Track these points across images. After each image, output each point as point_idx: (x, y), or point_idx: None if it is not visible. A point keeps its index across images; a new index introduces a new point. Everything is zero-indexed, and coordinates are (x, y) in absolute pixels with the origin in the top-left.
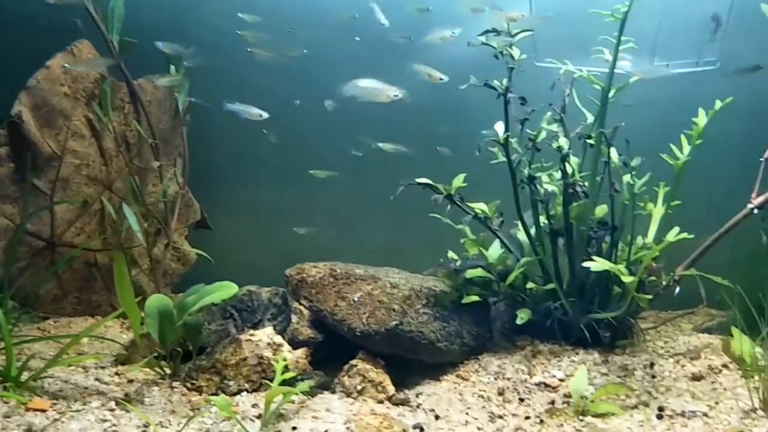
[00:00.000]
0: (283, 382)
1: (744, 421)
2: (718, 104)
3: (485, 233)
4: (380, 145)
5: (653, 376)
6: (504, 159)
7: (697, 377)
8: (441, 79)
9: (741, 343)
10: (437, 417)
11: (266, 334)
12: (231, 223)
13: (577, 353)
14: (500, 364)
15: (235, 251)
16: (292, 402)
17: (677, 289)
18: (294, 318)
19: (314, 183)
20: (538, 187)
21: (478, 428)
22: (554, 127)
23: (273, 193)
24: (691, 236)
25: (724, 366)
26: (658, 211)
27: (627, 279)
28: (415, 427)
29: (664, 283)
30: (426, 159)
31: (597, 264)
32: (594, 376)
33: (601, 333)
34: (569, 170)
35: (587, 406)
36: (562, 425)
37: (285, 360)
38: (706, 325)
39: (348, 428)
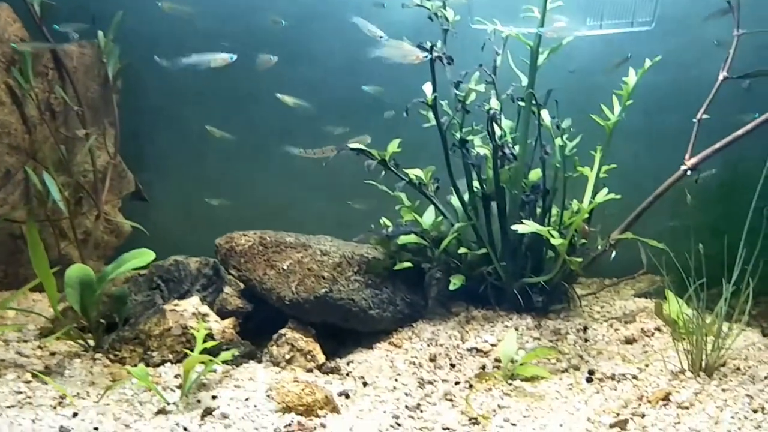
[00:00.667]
0: (207, 352)
1: (672, 382)
2: (648, 63)
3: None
4: (279, 96)
5: (586, 340)
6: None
7: (629, 340)
8: (381, 37)
9: (673, 305)
10: (365, 384)
11: (191, 304)
12: (169, 195)
13: (511, 318)
14: (434, 330)
15: (172, 223)
16: (214, 371)
17: (613, 254)
18: (226, 288)
19: (252, 153)
20: (470, 150)
21: (406, 394)
22: (485, 88)
23: (213, 165)
24: (618, 196)
25: (657, 329)
26: (593, 174)
27: (556, 241)
28: (340, 394)
29: (600, 247)
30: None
31: (525, 227)
32: (526, 341)
33: (534, 298)
34: (498, 132)
35: (516, 370)
36: (490, 389)
37: (207, 329)
38: (646, 290)
39: (268, 396)
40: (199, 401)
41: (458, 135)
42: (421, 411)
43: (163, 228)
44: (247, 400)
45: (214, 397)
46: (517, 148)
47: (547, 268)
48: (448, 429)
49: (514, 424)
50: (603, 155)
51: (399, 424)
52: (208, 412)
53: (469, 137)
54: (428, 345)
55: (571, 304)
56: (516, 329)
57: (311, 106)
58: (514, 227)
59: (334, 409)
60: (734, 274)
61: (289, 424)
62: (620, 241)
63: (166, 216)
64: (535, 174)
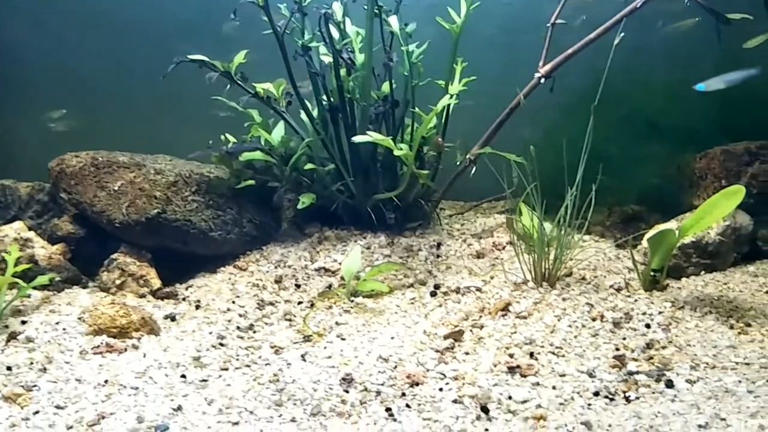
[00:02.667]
0: (27, 279)
1: (513, 293)
2: None
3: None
4: None
5: (438, 256)
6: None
7: (479, 255)
8: None
9: (527, 219)
10: (198, 307)
11: (14, 228)
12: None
13: (365, 237)
14: (284, 252)
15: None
16: (28, 297)
17: (473, 169)
18: (65, 215)
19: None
20: (313, 58)
21: (240, 315)
22: None
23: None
24: (455, 101)
25: (510, 243)
26: (454, 88)
27: (400, 152)
28: (166, 317)
29: (458, 163)
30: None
31: (364, 137)
32: (376, 258)
33: (387, 215)
34: (335, 35)
35: (358, 287)
36: (331, 307)
37: (29, 255)
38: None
39: (81, 319)
40: (6, 326)
41: (300, 42)
42: (254, 331)
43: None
44: (57, 324)
45: (23, 322)
46: (362, 56)
47: (408, 185)
48: (275, 347)
49: (344, 339)
50: (463, 68)
51: (222, 344)
52: (12, 336)
53: (313, 44)
54: (276, 267)
55: (432, 223)
56: (368, 247)
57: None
58: (354, 138)
59: (152, 331)
60: (575, 186)
61: (98, 346)
62: (480, 156)
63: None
64: (387, 87)
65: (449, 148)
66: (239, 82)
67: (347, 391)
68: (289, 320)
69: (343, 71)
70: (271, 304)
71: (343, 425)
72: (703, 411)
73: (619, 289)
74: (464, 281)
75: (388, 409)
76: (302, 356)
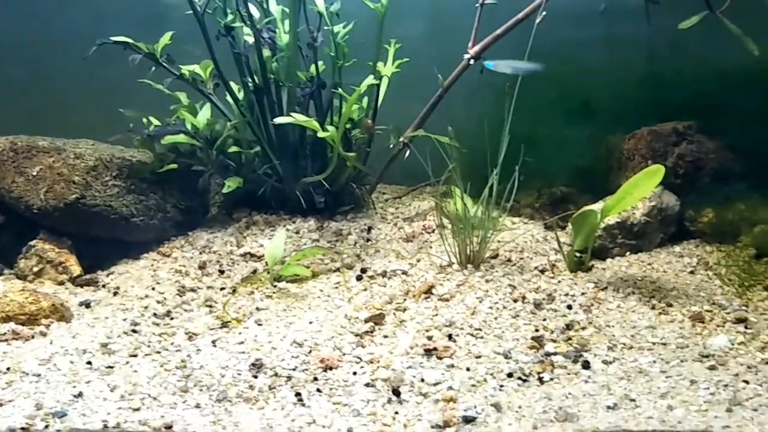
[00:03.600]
0: None
1: (438, 275)
2: None
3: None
4: None
5: (368, 240)
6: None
7: (409, 238)
8: None
9: (459, 202)
10: (116, 294)
11: None
12: None
13: (294, 221)
14: (210, 238)
15: None
16: None
17: (407, 153)
18: None
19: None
20: (237, 39)
21: (158, 302)
22: None
23: None
24: (377, 81)
25: (440, 226)
26: (388, 70)
27: (323, 134)
28: (81, 304)
29: (391, 146)
30: None
31: (286, 118)
32: (305, 243)
33: (317, 199)
34: (257, 15)
35: (280, 271)
36: (252, 292)
37: None
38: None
39: None
40: None
41: (223, 21)
42: (171, 318)
43: None
44: None
45: None
46: (287, 36)
47: (338, 168)
48: (190, 333)
49: (260, 324)
50: (396, 49)
51: (135, 331)
52: None
53: (236, 24)
54: (200, 253)
55: (366, 207)
56: (297, 232)
57: None
58: (275, 120)
59: (62, 318)
60: (497, 167)
61: (4, 334)
62: (413, 139)
63: None
64: (319, 67)
65: (381, 131)
66: (164, 64)
67: (256, 377)
68: (210, 306)
69: (268, 52)
70: (193, 290)
71: (249, 411)
72: (614, 392)
73: (543, 271)
74: (391, 265)
75: (297, 394)
76: (213, 342)
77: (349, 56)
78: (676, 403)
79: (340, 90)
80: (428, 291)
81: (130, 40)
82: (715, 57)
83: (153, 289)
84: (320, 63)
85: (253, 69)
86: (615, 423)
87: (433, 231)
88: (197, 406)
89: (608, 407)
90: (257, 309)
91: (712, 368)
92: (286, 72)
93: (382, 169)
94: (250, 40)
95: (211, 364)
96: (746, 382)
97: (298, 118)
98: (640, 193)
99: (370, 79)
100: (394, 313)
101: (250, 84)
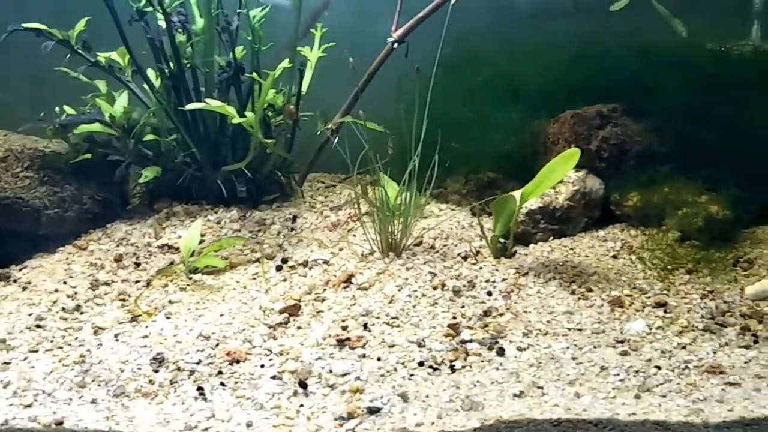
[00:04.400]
0: None
1: (359, 264)
2: None
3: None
4: None
5: (292, 229)
6: None
7: (334, 227)
8: None
9: (389, 189)
10: (25, 288)
11: None
12: None
13: (216, 212)
14: (129, 230)
15: None
16: None
17: (336, 140)
18: None
19: None
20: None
21: (69, 296)
22: None
23: None
24: (289, 65)
25: (360, 215)
26: (314, 55)
27: (238, 120)
28: None
29: (317, 133)
30: None
31: (197, 104)
32: (225, 233)
33: (238, 188)
34: None
35: (195, 263)
36: (167, 285)
37: None
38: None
39: None
40: None
41: (135, 6)
42: (81, 312)
43: None
44: None
45: None
46: (202, 20)
47: (259, 156)
48: (97, 328)
49: (168, 318)
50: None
51: (39, 326)
52: None
53: (149, 8)
54: (118, 245)
55: (294, 196)
56: (218, 222)
57: None
58: (187, 106)
59: None
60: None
61: None
62: (341, 126)
63: None
64: (238, 52)
65: (307, 117)
66: (80, 51)
67: (157, 371)
68: (123, 300)
69: (183, 37)
70: (106, 283)
71: (147, 406)
72: (522, 379)
73: (466, 257)
74: (313, 254)
75: (200, 389)
76: (116, 336)
77: (269, 40)
78: (584, 390)
79: (254, 75)
80: (348, 280)
81: (42, 27)
82: (644, 39)
83: (65, 283)
84: (241, 48)
85: (168, 55)
86: (519, 411)
87: (358, 219)
88: (93, 401)
89: (515, 395)
90: (170, 302)
91: (624, 354)
92: (202, 57)
93: (312, 157)
94: (165, 24)
95: (111, 358)
96: (658, 367)
97: (212, 104)
98: (557, 176)
99: (285, 63)
100: (313, 304)
101: (166, 70)
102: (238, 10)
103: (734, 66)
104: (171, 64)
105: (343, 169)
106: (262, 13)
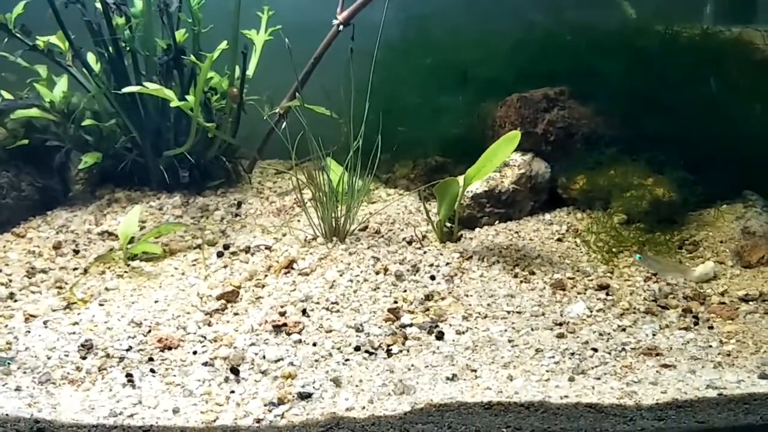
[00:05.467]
0: None
1: (301, 249)
2: None
3: None
4: None
5: (236, 215)
6: None
7: (279, 212)
8: None
9: (334, 173)
10: None
11: None
12: None
13: (158, 198)
14: (69, 217)
15: None
16: None
17: (284, 124)
18: None
19: None
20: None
21: (2, 284)
22: None
23: None
24: (226, 47)
25: (311, 199)
26: (260, 38)
27: (177, 103)
28: None
29: (264, 117)
30: None
31: (134, 87)
32: (167, 219)
33: (181, 174)
34: None
35: (132, 250)
36: (104, 272)
37: None
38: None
39: None
40: None
41: None
42: (15, 300)
43: None
44: None
45: None
46: (141, 3)
47: (203, 141)
48: (30, 315)
49: (102, 305)
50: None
51: None
52: None
53: None
54: (57, 233)
55: (242, 181)
56: (160, 208)
57: None
58: (124, 89)
59: None
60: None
61: None
62: (289, 110)
63: None
64: (179, 35)
65: (252, 101)
66: (18, 35)
67: (84, 358)
68: (60, 288)
69: (122, 19)
70: (44, 271)
71: (73, 393)
72: (457, 362)
73: (411, 242)
74: (256, 240)
75: (128, 375)
76: (45, 323)
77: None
78: (517, 373)
79: (192, 57)
80: (289, 266)
81: None
82: (593, 22)
83: (0, 271)
84: (183, 31)
85: (106, 38)
86: (451, 395)
87: (305, 204)
88: (17, 389)
89: (447, 378)
90: (106, 289)
91: (560, 336)
92: (141, 40)
93: (261, 142)
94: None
95: (38, 345)
96: (595, 350)
97: (150, 87)
98: (499, 159)
99: (223, 45)
100: (253, 290)
101: (105, 54)
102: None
103: (682, 49)
104: (110, 48)
105: (297, 154)
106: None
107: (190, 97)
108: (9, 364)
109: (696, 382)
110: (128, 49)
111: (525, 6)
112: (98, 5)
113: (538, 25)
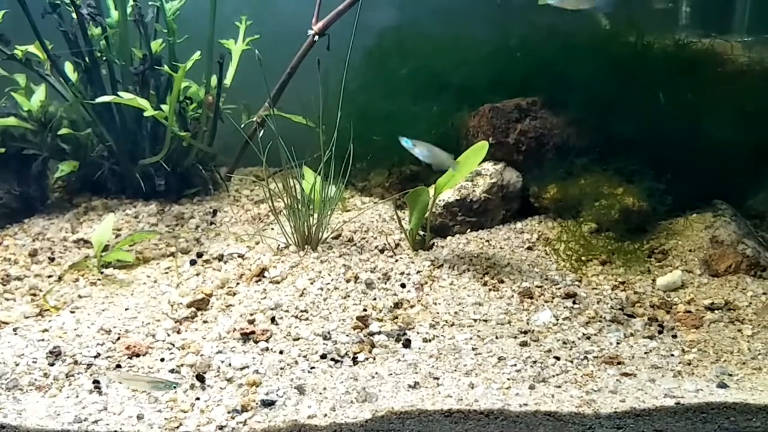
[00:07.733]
0: None
1: (273, 257)
2: None
3: None
4: None
5: (212, 223)
6: None
7: (254, 220)
8: None
9: (308, 182)
10: None
11: None
12: None
13: (135, 206)
14: (46, 224)
15: None
16: None
17: (261, 132)
18: None
19: None
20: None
21: None
22: None
23: None
24: (199, 57)
25: (286, 208)
26: (238, 48)
27: (151, 112)
28: None
29: (242, 125)
30: None
31: (109, 97)
32: (142, 227)
33: (157, 182)
34: None
35: (105, 258)
36: (77, 280)
37: None
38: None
39: None
40: None
41: None
42: None
43: None
44: None
45: None
46: (117, 12)
47: (180, 149)
48: (1, 322)
49: (73, 312)
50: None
51: None
52: None
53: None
54: (33, 240)
55: (219, 189)
56: (135, 216)
57: None
58: (98, 99)
59: None
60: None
61: None
62: (267, 119)
63: None
64: (156, 45)
65: (230, 110)
66: None
67: (52, 365)
68: (34, 295)
69: (97, 30)
70: (18, 278)
71: (40, 399)
72: (420, 370)
73: (383, 250)
74: (229, 248)
75: (95, 382)
76: (14, 330)
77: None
78: (479, 380)
79: (166, 67)
80: (260, 274)
81: None
82: (566, 32)
83: None
84: (160, 41)
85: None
86: (412, 402)
87: (280, 213)
88: None
89: (410, 386)
90: (79, 296)
91: (523, 344)
92: (117, 49)
93: (239, 151)
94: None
95: (6, 352)
96: (557, 358)
97: (124, 96)
98: (468, 168)
99: (197, 55)
100: (224, 298)
101: (81, 63)
102: (150, 2)
103: (653, 59)
104: (86, 57)
105: (277, 162)
106: (177, 5)
107: (164, 106)
108: None
109: (655, 390)
110: (104, 58)
111: (500, 15)
112: (75, 15)
113: (512, 33)
